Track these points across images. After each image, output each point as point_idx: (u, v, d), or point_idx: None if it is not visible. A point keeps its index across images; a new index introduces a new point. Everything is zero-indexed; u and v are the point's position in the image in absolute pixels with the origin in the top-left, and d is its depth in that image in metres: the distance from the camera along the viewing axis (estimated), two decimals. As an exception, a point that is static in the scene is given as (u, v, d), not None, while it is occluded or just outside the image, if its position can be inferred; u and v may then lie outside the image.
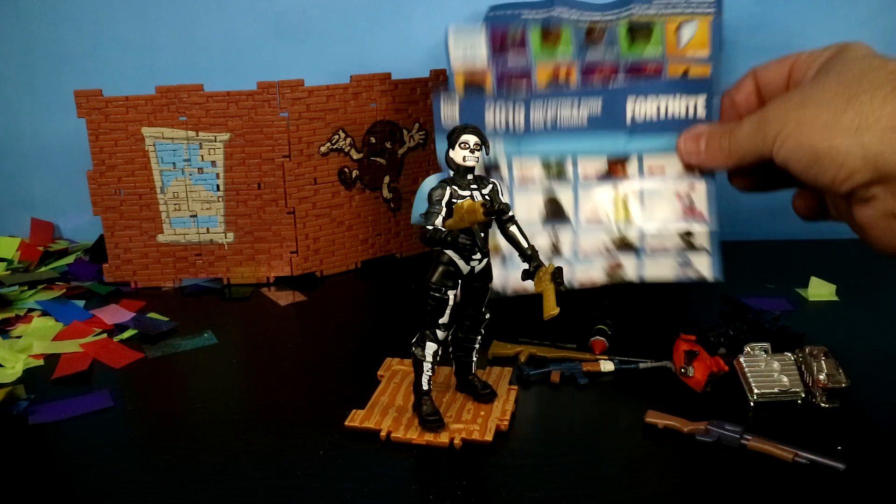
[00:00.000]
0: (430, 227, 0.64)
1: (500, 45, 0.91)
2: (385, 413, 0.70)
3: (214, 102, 0.99)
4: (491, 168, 0.89)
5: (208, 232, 1.04)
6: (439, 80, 1.11)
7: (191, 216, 1.03)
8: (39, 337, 0.89)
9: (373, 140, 1.08)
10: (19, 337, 0.90)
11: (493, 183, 0.68)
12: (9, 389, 0.77)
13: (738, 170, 0.82)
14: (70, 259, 1.13)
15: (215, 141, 1.00)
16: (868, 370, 0.76)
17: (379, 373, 0.78)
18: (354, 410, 0.70)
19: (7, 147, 1.21)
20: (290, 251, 1.05)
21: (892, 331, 0.87)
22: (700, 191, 0.88)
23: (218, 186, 1.02)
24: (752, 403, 0.71)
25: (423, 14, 1.14)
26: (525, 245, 0.67)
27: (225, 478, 0.63)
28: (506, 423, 0.68)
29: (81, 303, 0.99)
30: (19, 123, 1.20)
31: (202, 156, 1.01)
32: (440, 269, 0.66)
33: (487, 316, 0.71)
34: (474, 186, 0.67)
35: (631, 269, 0.87)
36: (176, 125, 1.00)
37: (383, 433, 0.67)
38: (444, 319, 0.67)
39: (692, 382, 0.73)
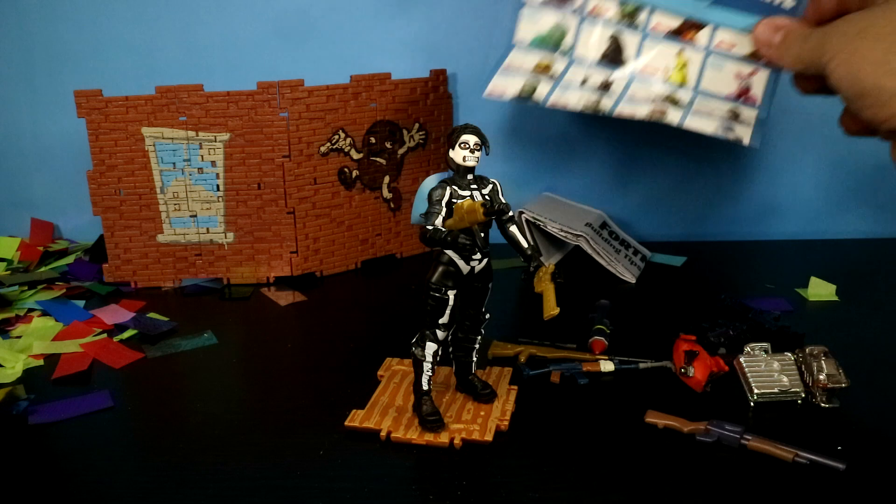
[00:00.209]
0: (430, 227, 0.64)
1: None
2: (385, 413, 0.70)
3: (214, 102, 0.99)
4: None
5: (208, 232, 1.04)
6: (439, 79, 1.11)
7: (191, 216, 1.03)
8: (39, 337, 0.89)
9: (373, 140, 1.08)
10: (19, 337, 0.89)
11: (493, 183, 0.68)
12: (9, 389, 0.77)
13: (801, 74, 0.79)
14: (70, 259, 1.13)
15: (215, 141, 1.00)
16: (868, 370, 0.76)
17: (379, 373, 0.78)
18: (354, 410, 0.70)
19: (7, 147, 1.21)
20: (290, 251, 1.05)
21: (892, 331, 0.87)
22: (761, 77, 0.87)
23: (218, 186, 1.02)
24: (752, 403, 0.71)
25: (423, 14, 1.14)
26: (525, 245, 0.68)
27: (225, 478, 0.63)
28: (506, 423, 0.68)
29: (81, 303, 0.99)
30: (19, 123, 1.20)
31: (202, 156, 1.01)
32: (440, 269, 0.66)
33: (487, 316, 0.71)
34: (474, 186, 0.67)
35: (675, 115, 0.86)
36: (176, 125, 1.00)
37: (383, 433, 0.67)
38: (444, 319, 0.67)
39: (692, 382, 0.73)
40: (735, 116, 0.86)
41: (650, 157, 1.18)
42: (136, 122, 0.99)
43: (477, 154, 0.65)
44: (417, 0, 1.14)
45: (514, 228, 0.68)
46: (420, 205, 0.67)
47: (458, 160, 0.66)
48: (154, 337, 0.89)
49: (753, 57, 0.86)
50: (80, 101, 0.98)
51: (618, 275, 1.02)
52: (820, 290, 0.97)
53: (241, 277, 1.05)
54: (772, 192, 1.18)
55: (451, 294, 0.66)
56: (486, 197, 0.67)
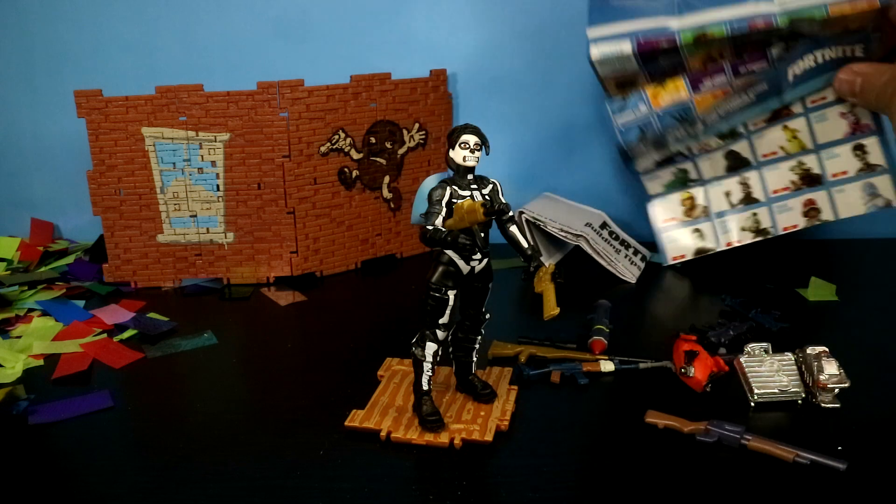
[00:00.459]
0: (430, 227, 0.64)
1: (650, 58, 0.93)
2: (385, 413, 0.70)
3: (214, 102, 0.99)
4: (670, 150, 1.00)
5: (208, 232, 1.04)
6: (439, 79, 1.11)
7: (191, 216, 1.03)
8: (39, 337, 0.89)
9: (373, 140, 1.08)
10: (19, 337, 0.89)
11: (494, 183, 0.68)
12: (9, 389, 0.77)
13: None
14: (70, 259, 1.13)
15: (215, 141, 1.00)
16: (868, 370, 0.76)
17: (379, 373, 0.78)
18: (354, 410, 0.70)
19: (7, 147, 1.21)
20: (290, 251, 1.05)
21: (893, 331, 0.87)
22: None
23: (218, 186, 1.02)
24: (752, 403, 0.71)
25: (423, 14, 1.14)
26: (525, 245, 0.68)
27: (225, 478, 0.63)
28: (506, 423, 0.68)
29: (81, 303, 0.99)
30: (19, 123, 1.20)
31: (202, 156, 1.01)
32: (440, 269, 0.66)
33: (487, 316, 0.71)
34: (474, 186, 0.67)
35: (825, 208, 0.93)
36: (176, 125, 0.99)
37: (383, 433, 0.67)
38: (444, 319, 0.67)
39: (692, 382, 0.73)
40: (866, 163, 0.94)
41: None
42: (136, 122, 0.99)
43: (477, 154, 0.65)
44: (417, 0, 1.14)
45: (514, 228, 0.68)
46: (420, 205, 0.66)
47: (458, 160, 0.66)
48: (154, 337, 0.89)
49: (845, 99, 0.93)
50: (80, 101, 0.98)
51: (618, 275, 1.02)
52: (820, 290, 0.97)
53: (241, 277, 1.05)
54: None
55: (451, 294, 0.66)
56: (486, 197, 0.67)
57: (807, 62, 0.91)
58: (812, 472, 0.61)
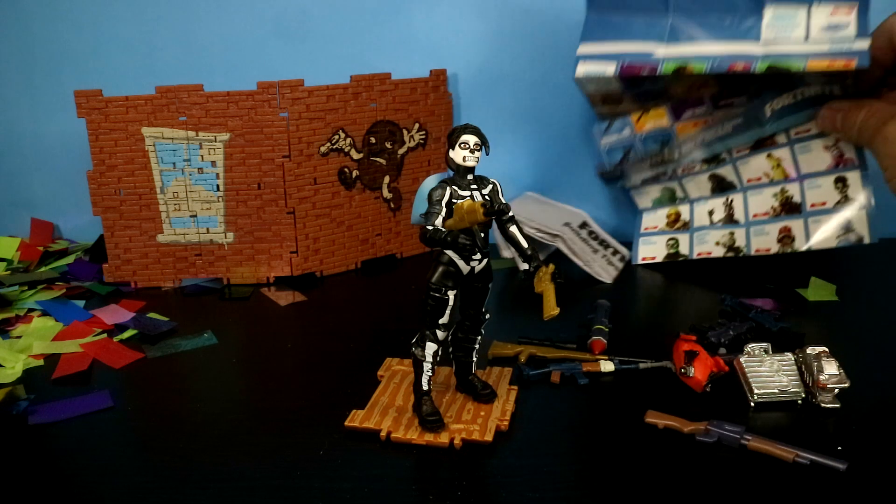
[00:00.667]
0: (430, 228, 0.64)
1: (632, 80, 0.96)
2: (385, 413, 0.70)
3: (214, 102, 0.99)
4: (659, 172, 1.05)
5: (208, 232, 1.04)
6: (439, 79, 1.11)
7: (191, 216, 1.03)
8: (39, 337, 0.89)
9: (373, 140, 1.08)
10: (19, 337, 0.89)
11: (493, 183, 0.68)
12: (9, 389, 0.77)
13: None
14: (70, 259, 1.13)
15: (215, 141, 1.00)
16: (868, 370, 0.76)
17: (379, 373, 0.78)
18: (354, 410, 0.70)
19: (7, 147, 1.21)
20: (290, 251, 1.05)
21: (892, 331, 0.87)
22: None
23: (218, 186, 1.02)
24: (752, 404, 0.71)
25: (423, 14, 1.14)
26: (525, 245, 0.68)
27: (225, 478, 0.63)
28: (506, 423, 0.68)
29: (81, 303, 0.99)
30: (19, 123, 1.20)
31: (202, 156, 1.01)
32: (440, 269, 0.66)
33: (487, 316, 0.71)
34: (474, 187, 0.67)
35: (799, 236, 0.94)
36: (176, 125, 1.00)
37: (383, 433, 0.67)
38: (444, 320, 0.67)
39: (692, 382, 0.73)
40: (845, 195, 0.96)
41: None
42: (136, 122, 0.99)
43: (477, 154, 0.65)
44: (417, 0, 1.14)
45: (514, 229, 0.68)
46: (420, 205, 0.66)
47: (458, 160, 0.66)
48: (154, 337, 0.89)
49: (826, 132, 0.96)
50: (80, 101, 0.98)
51: (594, 275, 1.02)
52: (820, 290, 0.97)
53: (241, 277, 1.05)
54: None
55: (451, 294, 0.66)
56: (486, 197, 0.67)
57: (785, 99, 0.94)
58: (812, 472, 0.61)
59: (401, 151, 1.11)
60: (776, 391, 0.71)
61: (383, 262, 1.13)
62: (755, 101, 0.95)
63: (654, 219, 1.09)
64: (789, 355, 0.74)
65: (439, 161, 1.15)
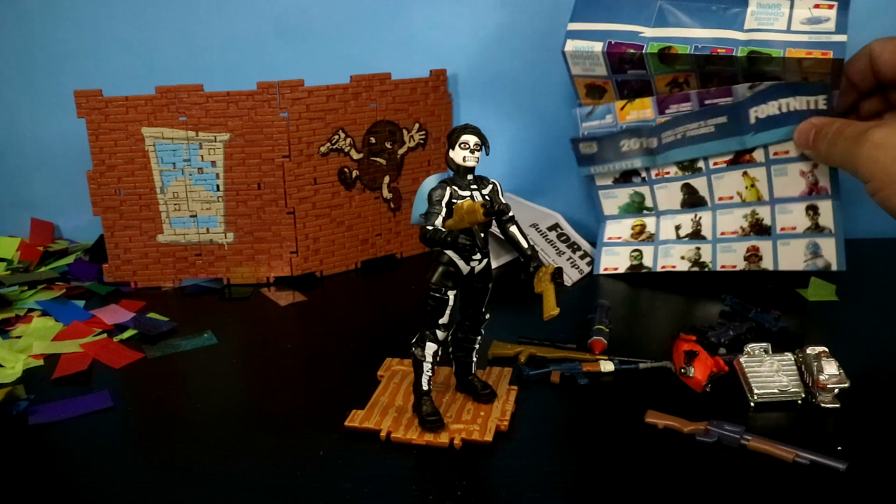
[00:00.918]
0: (429, 228, 0.64)
1: (617, 65, 0.97)
2: (385, 413, 0.70)
3: (214, 102, 0.99)
4: (630, 173, 1.03)
5: (208, 232, 1.04)
6: (439, 79, 1.11)
7: (191, 216, 1.03)
8: (39, 337, 0.89)
9: (373, 140, 1.08)
10: (19, 337, 0.89)
11: (494, 183, 0.68)
12: (9, 389, 0.77)
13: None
14: (70, 259, 1.13)
15: (215, 141, 1.00)
16: (868, 370, 0.76)
17: (379, 373, 0.78)
18: (354, 410, 0.70)
19: (7, 147, 1.21)
20: (290, 251, 1.05)
21: (892, 331, 0.87)
22: (824, 168, 0.95)
23: (218, 186, 1.02)
24: (752, 404, 0.71)
25: (423, 14, 1.14)
26: (525, 245, 0.68)
27: (225, 478, 0.63)
28: (506, 423, 0.68)
29: (81, 303, 0.99)
30: (19, 123, 1.20)
31: (202, 156, 1.01)
32: (440, 269, 0.66)
33: (487, 316, 0.71)
34: (474, 187, 0.67)
35: (767, 256, 0.94)
36: (176, 125, 1.00)
37: (383, 433, 0.67)
38: (443, 320, 0.67)
39: (692, 383, 0.73)
40: (815, 224, 0.96)
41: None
42: (136, 122, 0.99)
43: (477, 154, 0.65)
44: (417, 0, 1.14)
45: (514, 229, 0.68)
46: (420, 205, 0.66)
47: (458, 160, 0.66)
48: (154, 337, 0.89)
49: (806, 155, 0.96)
50: (80, 101, 0.98)
51: None
52: (820, 290, 0.97)
53: (241, 277, 1.05)
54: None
55: (451, 294, 0.66)
56: (486, 197, 0.67)
57: (770, 108, 0.93)
58: (812, 472, 0.61)
59: (401, 151, 1.11)
60: (776, 391, 0.71)
61: (383, 262, 1.13)
62: (742, 103, 0.94)
63: (619, 229, 1.07)
64: (789, 355, 0.74)
65: (439, 161, 1.15)
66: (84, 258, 1.13)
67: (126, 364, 0.83)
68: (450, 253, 0.66)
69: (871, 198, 0.82)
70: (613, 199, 1.07)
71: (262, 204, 1.03)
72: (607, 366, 0.78)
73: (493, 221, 0.67)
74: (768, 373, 0.72)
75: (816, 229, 0.96)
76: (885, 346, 0.83)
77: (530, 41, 1.14)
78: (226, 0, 1.14)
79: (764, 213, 0.99)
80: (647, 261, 1.02)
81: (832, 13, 0.91)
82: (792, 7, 0.92)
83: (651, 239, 1.03)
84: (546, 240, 1.08)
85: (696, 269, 0.97)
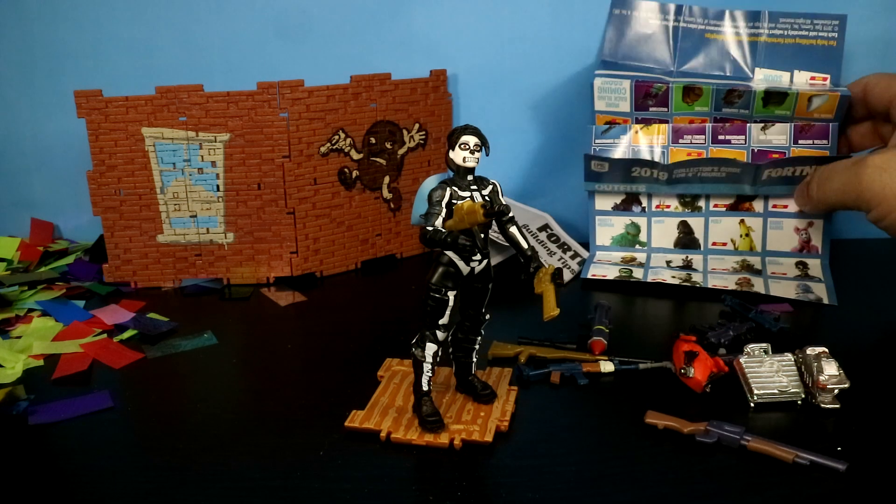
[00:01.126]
0: (429, 228, 0.64)
1: (642, 99, 1.03)
2: (385, 414, 0.70)
3: (214, 103, 0.99)
4: (632, 199, 1.07)
5: (208, 232, 1.04)
6: (439, 79, 1.11)
7: (191, 216, 1.03)
8: (39, 337, 0.89)
9: (373, 140, 1.08)
10: (19, 337, 0.89)
11: (494, 184, 0.68)
12: (9, 389, 0.77)
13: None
14: (70, 259, 1.13)
15: (215, 141, 1.00)
16: (868, 370, 0.76)
17: (379, 373, 0.78)
18: (354, 411, 0.70)
19: (7, 147, 1.20)
20: (290, 251, 1.05)
21: (892, 331, 0.88)
22: (818, 227, 1.01)
23: (218, 187, 1.02)
24: (752, 404, 0.71)
25: (423, 14, 1.14)
26: (525, 246, 0.68)
27: (225, 478, 0.63)
28: (506, 423, 0.68)
29: (81, 303, 0.99)
30: (19, 123, 1.19)
31: (202, 156, 1.01)
32: (440, 269, 0.66)
33: (487, 317, 0.71)
34: (474, 187, 0.67)
35: (758, 285, 0.97)
36: (176, 125, 1.00)
37: (383, 434, 0.67)
38: (444, 320, 0.67)
39: (692, 383, 0.73)
40: (805, 274, 0.99)
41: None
42: (136, 122, 0.99)
43: (477, 155, 0.65)
44: (417, 0, 1.14)
45: (514, 229, 0.68)
46: (420, 205, 0.66)
47: (458, 161, 0.66)
48: (154, 337, 0.89)
49: (803, 214, 1.01)
50: (80, 101, 0.98)
51: None
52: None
53: (241, 277, 1.05)
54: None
55: (451, 295, 0.66)
56: (487, 198, 0.67)
57: (785, 171, 0.98)
58: (812, 472, 0.61)
59: (401, 152, 1.11)
60: (776, 392, 0.71)
61: (383, 262, 1.13)
62: (759, 166, 0.98)
63: (608, 256, 1.08)
64: (789, 356, 0.74)
65: (439, 161, 1.15)
66: (84, 258, 1.13)
67: (126, 364, 0.83)
68: (450, 253, 0.66)
69: (874, 225, 0.84)
70: (608, 228, 1.08)
71: (262, 204, 1.03)
72: (607, 366, 0.78)
73: (493, 222, 0.68)
74: (768, 373, 0.72)
75: (806, 277, 0.99)
76: (884, 347, 0.83)
77: (530, 41, 1.14)
78: (226, 0, 1.14)
79: (754, 260, 1.02)
80: (637, 275, 1.01)
81: (827, 83, 1.03)
82: (792, 77, 1.04)
83: (641, 265, 1.04)
84: (537, 241, 1.08)
85: (687, 284, 0.98)
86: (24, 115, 1.19)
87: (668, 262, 1.04)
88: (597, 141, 1.05)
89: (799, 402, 0.71)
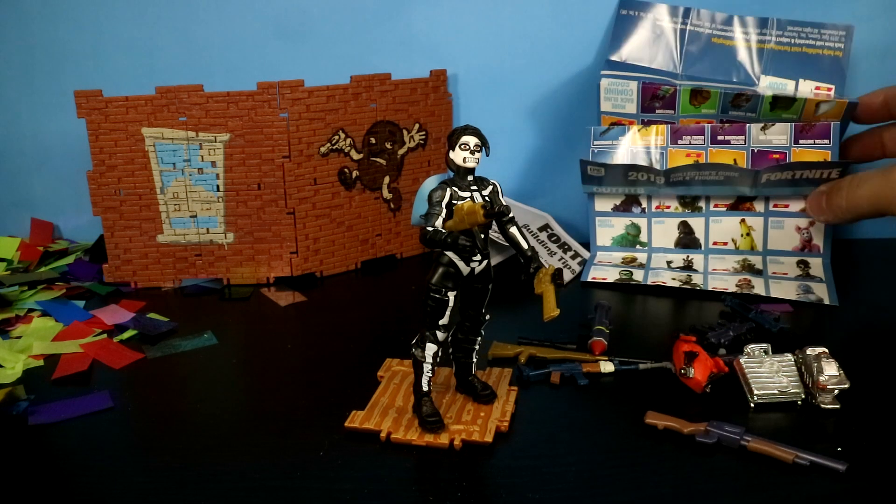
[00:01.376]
0: (430, 229, 0.64)
1: (648, 101, 1.03)
2: (385, 414, 0.70)
3: (214, 103, 0.99)
4: (631, 200, 1.06)
5: (208, 232, 1.04)
6: (439, 79, 1.11)
7: (191, 216, 1.03)
8: (39, 337, 0.89)
9: (373, 140, 1.08)
10: (19, 337, 0.90)
11: (494, 184, 0.68)
12: (9, 390, 0.77)
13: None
14: (70, 259, 1.13)
15: (215, 141, 1.00)
16: (868, 370, 0.76)
17: (379, 373, 0.78)
18: (354, 411, 0.70)
19: (7, 147, 1.21)
20: (290, 251, 1.05)
21: (892, 331, 0.87)
22: (819, 226, 1.01)
23: (218, 187, 1.02)
24: (752, 404, 0.71)
25: (423, 14, 1.14)
26: (525, 246, 0.68)
27: (225, 478, 0.63)
28: (506, 424, 0.68)
29: (81, 303, 0.99)
30: (19, 123, 1.19)
31: (202, 156, 1.01)
32: (440, 270, 0.66)
33: (487, 317, 0.71)
34: (475, 188, 0.67)
35: (758, 286, 0.96)
36: (176, 125, 1.00)
37: (383, 434, 0.67)
38: (444, 321, 0.67)
39: (692, 383, 0.73)
40: (806, 273, 0.99)
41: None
42: (136, 122, 0.99)
43: (477, 155, 0.65)
44: (417, 0, 1.14)
45: (514, 230, 0.68)
46: (420, 206, 0.66)
47: (459, 161, 0.66)
48: (154, 337, 0.89)
49: (813, 223, 1.01)
50: (80, 101, 0.98)
51: None
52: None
53: (241, 278, 1.05)
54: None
55: (451, 295, 0.66)
56: (487, 198, 0.67)
57: (784, 174, 0.97)
58: (812, 473, 0.61)
59: (401, 152, 1.11)
60: (776, 392, 0.71)
61: (383, 262, 1.13)
62: (757, 171, 0.98)
63: (608, 256, 1.08)
64: (789, 356, 0.74)
65: (439, 161, 1.15)
66: (84, 258, 1.13)
67: (126, 364, 0.83)
68: (450, 254, 0.66)
69: None
70: (608, 229, 1.08)
71: (262, 204, 1.03)
72: (607, 366, 0.78)
73: (494, 222, 0.68)
74: (768, 373, 0.72)
75: (808, 277, 0.99)
76: (884, 347, 0.83)
77: (530, 41, 1.14)
78: (226, 0, 1.14)
79: (755, 260, 1.02)
80: (637, 277, 1.01)
81: (832, 93, 1.03)
82: (797, 86, 1.04)
83: (642, 266, 1.04)
84: (537, 241, 1.08)
85: (687, 286, 0.97)
86: (24, 115, 1.19)
87: (668, 263, 1.04)
88: (595, 142, 1.05)
89: (799, 402, 0.71)
